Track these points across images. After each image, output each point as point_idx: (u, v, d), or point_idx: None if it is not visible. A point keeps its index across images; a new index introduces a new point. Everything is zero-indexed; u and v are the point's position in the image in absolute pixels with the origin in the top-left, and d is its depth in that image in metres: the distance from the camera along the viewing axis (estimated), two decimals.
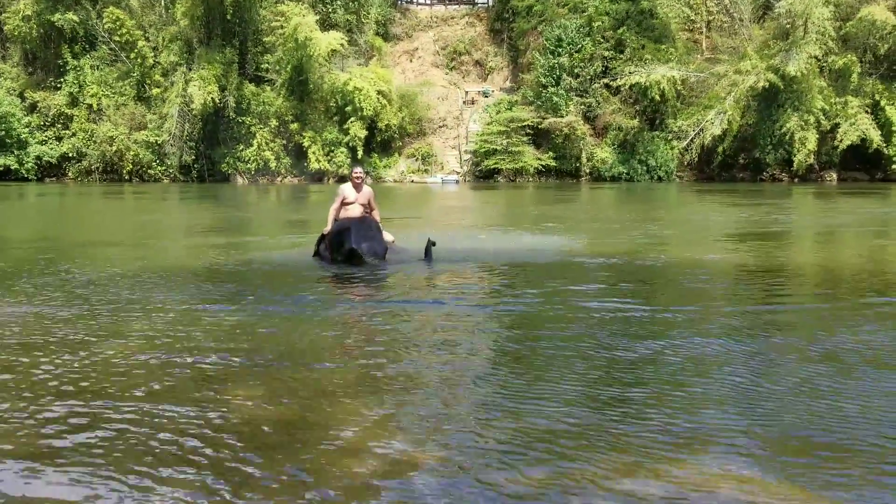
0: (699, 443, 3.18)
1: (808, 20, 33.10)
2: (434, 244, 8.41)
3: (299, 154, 37.73)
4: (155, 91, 37.92)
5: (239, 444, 3.19)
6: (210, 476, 2.87)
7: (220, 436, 3.27)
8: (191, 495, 2.72)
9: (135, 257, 9.50)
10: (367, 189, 9.08)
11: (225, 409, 3.61)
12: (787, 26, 33.82)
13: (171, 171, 37.82)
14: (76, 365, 4.33)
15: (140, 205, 22.89)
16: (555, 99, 35.97)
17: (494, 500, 2.68)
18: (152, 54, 38.33)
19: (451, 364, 4.42)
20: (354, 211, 8.83)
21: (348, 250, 8.09)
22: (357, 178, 8.96)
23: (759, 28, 36.96)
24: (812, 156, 33.84)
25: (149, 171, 37.75)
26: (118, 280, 7.33)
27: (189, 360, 4.46)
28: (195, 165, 38.06)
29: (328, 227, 8.69)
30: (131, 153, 37.29)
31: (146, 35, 38.82)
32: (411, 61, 44.25)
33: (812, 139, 33.33)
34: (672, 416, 3.48)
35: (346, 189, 8.93)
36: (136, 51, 37.72)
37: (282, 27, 36.69)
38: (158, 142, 37.31)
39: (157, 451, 3.11)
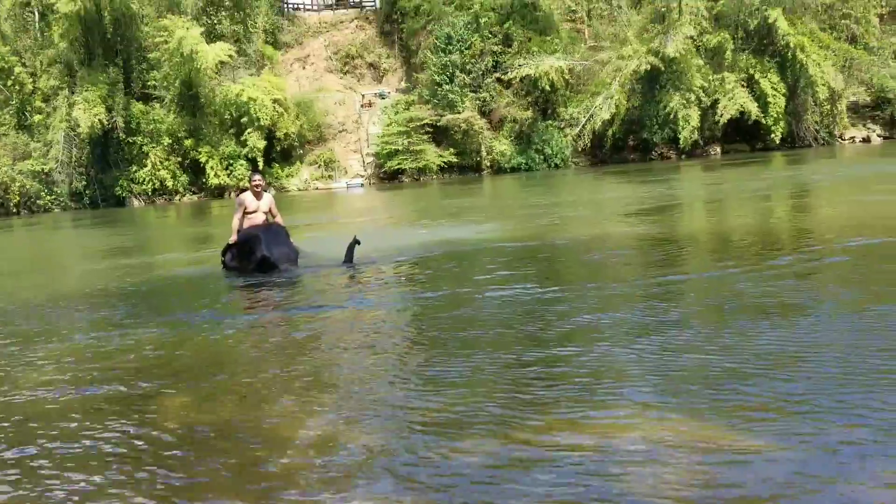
0: (612, 396, 3.56)
1: (681, 2, 34.79)
2: (359, 243, 8.34)
3: (197, 170, 36.89)
4: (37, 118, 36.32)
5: (171, 448, 3.33)
6: (147, 481, 3.03)
7: (151, 443, 3.41)
8: (130, 495, 2.87)
9: (36, 286, 9.29)
10: (267, 196, 9.13)
11: (154, 418, 3.73)
12: (663, 10, 35.45)
13: (61, 199, 36.29)
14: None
15: (33, 236, 22.00)
16: (450, 96, 36.52)
17: (429, 475, 2.92)
18: (31, 80, 36.69)
19: (371, 358, 4.65)
20: (258, 219, 8.88)
21: (260, 258, 8.08)
22: (256, 185, 8.95)
23: (637, 14, 38.57)
24: (696, 132, 35.57)
25: (38, 201, 36.07)
26: (23, 310, 7.21)
27: (108, 379, 4.51)
28: (87, 191, 36.65)
29: (233, 237, 8.68)
30: (17, 184, 35.56)
31: (22, 60, 37.11)
32: (304, 68, 43.93)
33: (695, 116, 35.06)
34: (585, 377, 3.85)
35: (247, 198, 8.93)
36: (13, 78, 36.03)
37: (166, 42, 35.78)
38: (45, 170, 35.74)
39: (96, 461, 3.23)
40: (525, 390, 3.70)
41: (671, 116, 35.24)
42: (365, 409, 3.63)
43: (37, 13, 38.20)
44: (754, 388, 3.47)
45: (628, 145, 37.53)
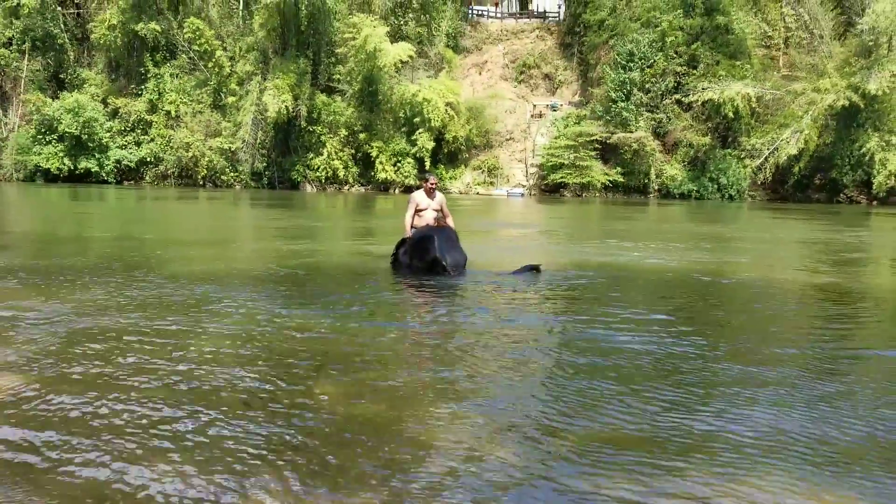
0: (753, 453, 3.08)
1: (892, 37, 31.98)
2: (539, 271, 8.31)
3: (367, 164, 38.26)
4: (230, 99, 39.04)
5: (312, 439, 3.24)
6: (292, 467, 2.92)
7: (292, 432, 3.33)
8: (276, 484, 2.77)
9: (206, 259, 9.75)
10: (439, 195, 9.14)
11: (298, 408, 3.66)
12: (870, 43, 32.75)
13: (243, 177, 38.80)
14: (164, 358, 4.47)
15: (215, 209, 23.54)
16: (624, 114, 35.59)
17: (555, 498, 2.65)
18: (229, 64, 39.50)
19: (517, 373, 4.39)
20: (428, 216, 8.87)
21: (432, 259, 8.05)
22: (432, 186, 9.02)
23: (839, 45, 35.88)
24: (893, 178, 32.58)
25: (222, 176, 38.81)
26: (201, 279, 7.53)
27: (259, 363, 4.53)
28: (266, 173, 38.96)
29: (408, 233, 8.71)
30: (206, 159, 38.42)
31: (224, 45, 40.05)
32: (480, 74, 44.43)
33: (893, 160, 32.12)
34: (729, 422, 3.39)
35: (419, 196, 8.97)
36: (213, 60, 38.93)
37: (354, 38, 37.36)
38: (232, 149, 38.36)
39: (245, 442, 3.18)
40: (666, 432, 3.29)
41: (866, 158, 32.48)
42: (510, 426, 3.38)
43: (241, 2, 41.06)
44: None
45: (814, 184, 34.95)
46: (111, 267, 8.35)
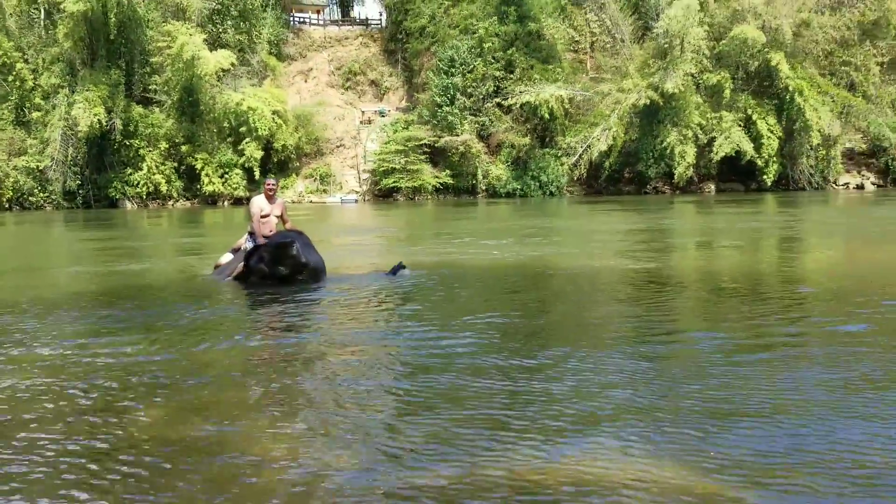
0: (595, 423, 3.51)
1: (683, 40, 35.16)
2: (404, 267, 8.58)
3: (192, 176, 36.88)
4: (35, 115, 36.24)
5: (141, 462, 3.27)
6: (119, 496, 2.96)
7: (127, 455, 3.34)
8: None
9: (24, 286, 9.18)
10: (279, 200, 9.10)
11: (127, 430, 3.67)
12: (665, 46, 35.80)
13: (54, 197, 36.13)
14: None
15: (23, 233, 21.84)
16: (450, 118, 36.69)
17: (407, 495, 2.89)
18: (32, 77, 36.68)
19: (365, 376, 4.60)
20: (271, 223, 8.83)
21: (295, 264, 8.06)
22: (270, 189, 8.92)
23: (639, 48, 38.96)
24: (691, 168, 35.83)
25: (30, 198, 35.92)
26: (6, 308, 7.12)
27: (85, 387, 4.45)
28: (80, 191, 36.52)
29: (260, 239, 8.55)
30: (10, 180, 35.40)
31: (25, 57, 37.12)
32: (306, 81, 44.11)
33: (691, 153, 35.33)
34: (569, 402, 3.81)
35: (261, 201, 8.82)
36: (14, 73, 36.03)
37: (169, 47, 35.90)
38: (40, 167, 35.61)
39: (64, 473, 3.16)
40: (498, 417, 3.65)
41: (668, 151, 35.51)
42: (346, 430, 3.57)
43: (43, 11, 38.24)
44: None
45: (624, 177, 37.74)
46: None
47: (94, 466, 3.22)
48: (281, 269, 8.18)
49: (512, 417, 3.72)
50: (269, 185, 8.99)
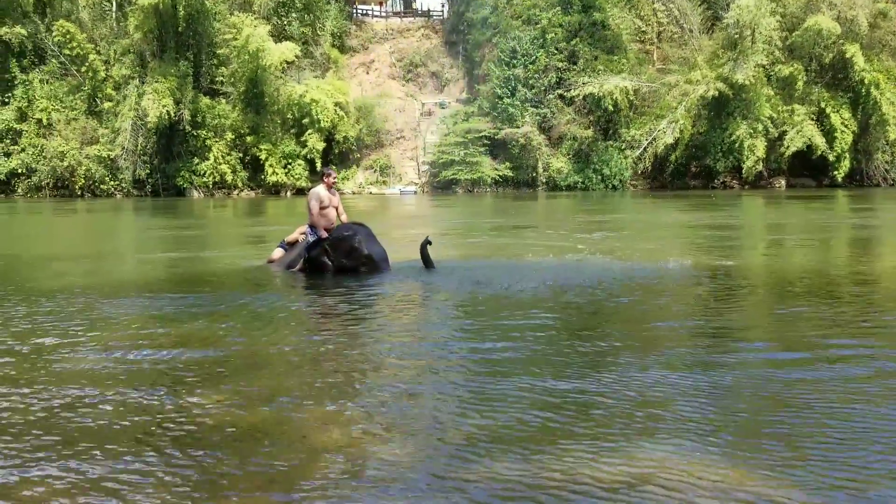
0: (656, 429, 3.32)
1: (755, 30, 34.03)
2: (430, 243, 8.23)
3: (256, 167, 37.47)
4: (107, 105, 37.30)
5: (209, 446, 3.24)
6: (181, 477, 2.91)
7: (190, 439, 3.31)
8: (158, 494, 2.76)
9: (90, 272, 9.38)
10: (336, 194, 9.00)
11: (187, 415, 3.64)
12: (736, 36, 34.72)
13: (124, 185, 37.18)
14: (36, 374, 4.31)
15: (94, 220, 22.51)
16: (510, 110, 36.36)
17: (457, 493, 2.76)
18: (104, 67, 37.73)
19: (423, 370, 4.50)
20: (330, 215, 8.72)
21: (363, 256, 8.04)
22: (333, 181, 8.77)
23: (708, 39, 37.88)
24: (761, 163, 34.72)
25: (101, 186, 37.04)
26: (76, 293, 7.25)
27: (148, 372, 4.47)
28: (149, 180, 37.49)
29: (322, 233, 8.45)
30: (83, 168, 36.56)
31: (97, 48, 38.21)
32: (368, 73, 44.31)
33: (761, 146, 34.22)
34: (634, 405, 3.62)
35: (322, 192, 8.63)
36: (87, 64, 37.10)
37: (235, 39, 36.48)
38: (111, 156, 36.68)
39: (124, 452, 3.13)
40: (556, 418, 3.48)
41: (736, 145, 34.46)
42: (401, 423, 3.47)
43: (114, 3, 39.33)
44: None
45: (690, 171, 36.81)
46: None
47: (152, 448, 3.20)
48: (343, 261, 8.13)
49: (568, 417, 3.56)
50: (332, 177, 8.81)
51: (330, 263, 8.20)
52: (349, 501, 2.70)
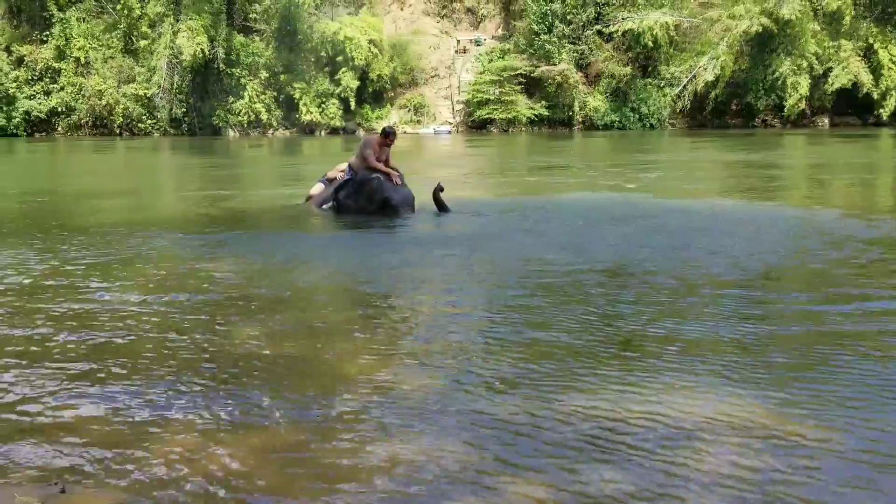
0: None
1: None
2: (442, 189, 8.18)
3: (290, 106, 37.45)
4: (142, 43, 37.38)
5: (243, 376, 3.40)
6: (216, 405, 3.09)
7: (225, 371, 3.48)
8: (200, 421, 2.93)
9: (131, 208, 9.63)
10: (389, 154, 8.68)
11: (230, 346, 3.81)
12: None
13: (161, 124, 37.52)
14: (78, 308, 4.52)
15: (133, 158, 22.87)
16: (547, 46, 35.61)
17: (482, 420, 2.89)
18: (139, 5, 37.65)
19: (455, 307, 4.62)
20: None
21: (381, 200, 8.08)
22: (390, 140, 8.51)
23: None
24: (804, 101, 33.73)
25: (139, 124, 37.45)
26: (116, 229, 7.48)
27: (186, 305, 4.65)
28: (186, 119, 37.76)
29: (379, 165, 8.35)
30: (121, 107, 36.95)
31: None
32: (402, 9, 43.58)
33: (804, 84, 33.19)
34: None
35: (374, 146, 8.47)
36: (122, 2, 37.10)
37: None
38: (148, 95, 36.94)
39: (163, 382, 3.32)
40: (591, 356, 3.59)
41: (779, 82, 33.45)
42: (433, 360, 3.60)
43: None
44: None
45: (731, 110, 35.91)
46: (23, 222, 8.18)
47: (188, 379, 3.37)
48: (364, 203, 8.20)
49: (603, 359, 3.66)
50: (389, 136, 8.59)
51: (353, 205, 8.29)
52: (378, 429, 2.84)
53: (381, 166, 8.32)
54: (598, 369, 3.40)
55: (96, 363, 3.57)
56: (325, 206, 8.71)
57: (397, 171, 8.50)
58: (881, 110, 33.78)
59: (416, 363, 3.53)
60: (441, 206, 8.22)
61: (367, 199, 8.18)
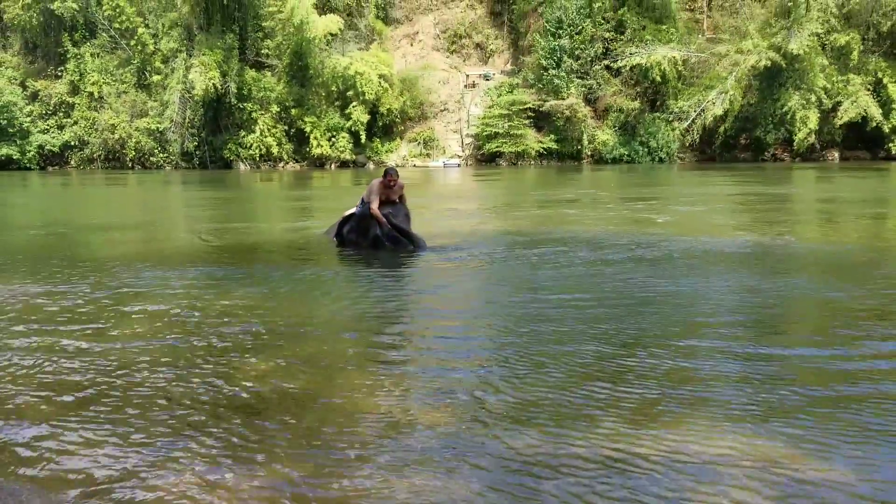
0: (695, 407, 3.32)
1: None
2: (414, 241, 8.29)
3: (301, 139, 37.80)
4: (156, 78, 37.95)
5: (257, 409, 3.33)
6: (223, 440, 3.01)
7: (239, 402, 3.41)
8: (207, 457, 2.86)
9: (146, 240, 9.63)
10: (400, 184, 8.54)
11: (232, 381, 3.74)
12: (789, 4, 33.66)
13: (173, 157, 37.91)
14: (92, 341, 4.47)
15: (145, 191, 23.01)
16: (556, 81, 35.91)
17: (494, 457, 2.81)
18: (152, 41, 38.33)
19: (466, 342, 4.55)
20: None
21: (373, 237, 8.27)
22: (388, 180, 8.36)
23: (760, 6, 36.80)
24: (813, 135, 33.78)
25: (151, 158, 37.86)
26: (128, 262, 7.46)
27: (196, 338, 4.59)
28: (197, 152, 38.14)
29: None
30: (133, 141, 37.39)
31: (146, 22, 38.81)
32: (412, 45, 44.13)
33: (813, 118, 33.28)
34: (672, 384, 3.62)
35: (377, 189, 8.37)
36: (136, 38, 37.74)
37: (280, 11, 36.66)
38: (160, 129, 37.38)
39: (174, 417, 3.25)
40: (601, 390, 3.50)
41: (788, 116, 33.58)
42: (443, 398, 3.52)
43: None
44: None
45: (740, 144, 36.00)
46: (34, 255, 8.18)
47: (202, 411, 3.30)
48: (359, 239, 8.43)
49: (614, 395, 3.57)
50: (387, 175, 8.41)
51: (354, 239, 8.52)
52: (391, 463, 2.77)
53: (375, 211, 8.31)
54: (609, 407, 3.31)
55: (107, 395, 3.51)
56: (332, 237, 8.97)
57: (404, 208, 8.50)
58: (891, 144, 33.78)
59: (427, 399, 3.45)
60: (411, 242, 8.19)
61: (363, 235, 8.43)
